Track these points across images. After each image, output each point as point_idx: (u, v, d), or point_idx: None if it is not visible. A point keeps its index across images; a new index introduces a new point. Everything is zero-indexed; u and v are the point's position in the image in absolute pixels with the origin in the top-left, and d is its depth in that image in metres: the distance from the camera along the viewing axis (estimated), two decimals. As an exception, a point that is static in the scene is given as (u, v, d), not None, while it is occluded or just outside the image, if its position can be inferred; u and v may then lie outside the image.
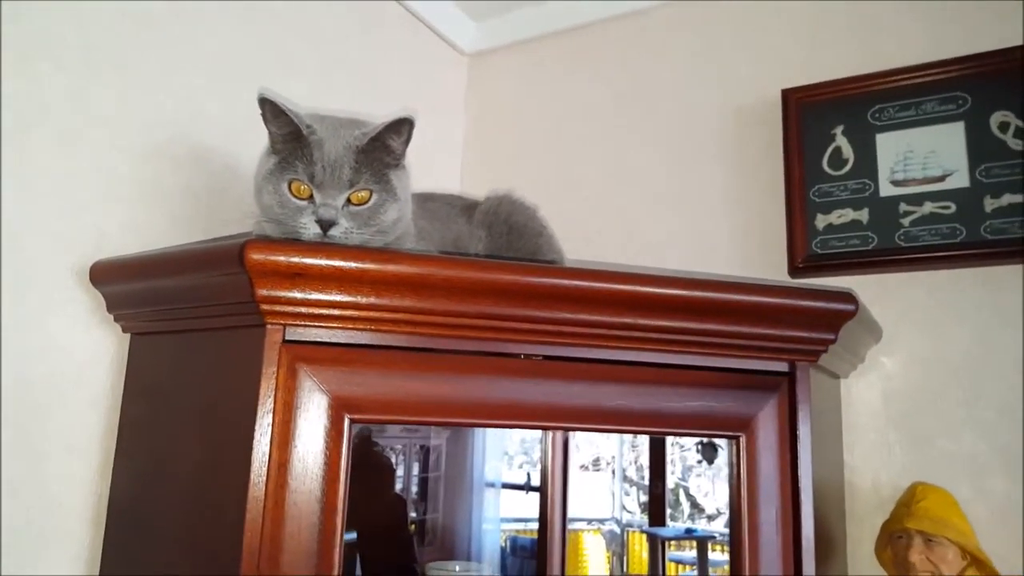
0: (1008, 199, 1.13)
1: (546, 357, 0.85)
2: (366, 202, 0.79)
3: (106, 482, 0.96)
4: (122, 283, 0.91)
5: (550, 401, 0.85)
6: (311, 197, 0.77)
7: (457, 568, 1.25)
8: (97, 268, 0.93)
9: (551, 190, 1.53)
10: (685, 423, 0.89)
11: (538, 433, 1.44)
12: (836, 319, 0.89)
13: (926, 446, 1.14)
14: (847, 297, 0.88)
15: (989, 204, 1.14)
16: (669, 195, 1.45)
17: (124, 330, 0.98)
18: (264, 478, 0.74)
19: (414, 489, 1.49)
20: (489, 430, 1.50)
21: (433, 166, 1.65)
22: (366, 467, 1.43)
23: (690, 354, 0.89)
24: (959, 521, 1.03)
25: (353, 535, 1.26)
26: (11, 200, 0.91)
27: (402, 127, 0.81)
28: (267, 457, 0.74)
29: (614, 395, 0.87)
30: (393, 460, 1.48)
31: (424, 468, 1.49)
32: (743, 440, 0.88)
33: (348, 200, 0.78)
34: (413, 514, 1.47)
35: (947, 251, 1.15)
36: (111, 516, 0.94)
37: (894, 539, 1.04)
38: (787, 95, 1.31)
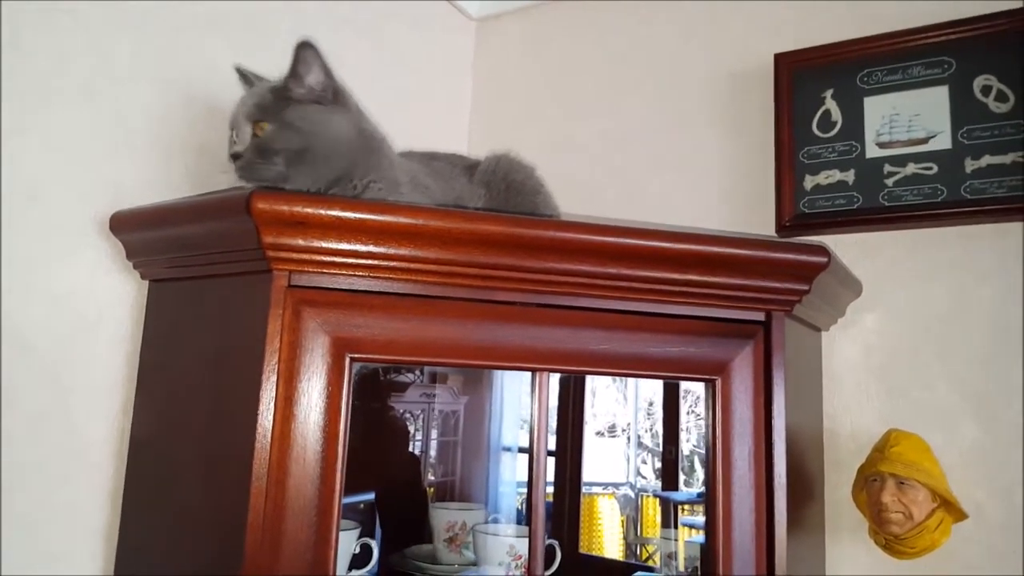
0: (987, 160, 1.16)
1: (536, 305, 0.91)
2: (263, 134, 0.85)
3: (128, 418, 1.03)
4: (139, 232, 0.98)
5: (539, 345, 0.91)
6: None
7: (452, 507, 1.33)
8: (116, 218, 0.99)
9: (555, 150, 1.57)
10: (665, 367, 0.95)
11: (555, 400, 1.51)
12: (809, 271, 0.94)
13: (902, 396, 1.19)
14: (820, 250, 0.93)
15: (969, 165, 1.17)
16: (665, 155, 1.49)
17: (142, 277, 1.04)
18: (272, 411, 0.81)
19: (432, 453, 1.56)
20: (507, 399, 1.57)
21: (442, 128, 1.70)
22: (382, 430, 1.51)
23: (671, 303, 0.94)
24: (930, 465, 1.08)
25: (371, 496, 1.34)
26: (34, 152, 0.97)
27: (303, 53, 0.86)
28: (275, 392, 0.81)
29: (599, 340, 0.93)
30: (412, 425, 1.55)
31: (442, 433, 1.56)
32: (719, 383, 0.93)
33: (256, 135, 0.85)
34: (432, 477, 1.55)
35: (928, 210, 1.19)
36: (132, 449, 1.01)
37: (869, 482, 1.09)
38: (779, 59, 1.34)
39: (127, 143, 1.07)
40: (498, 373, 1.54)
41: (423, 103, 1.64)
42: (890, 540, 1.08)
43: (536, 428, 0.90)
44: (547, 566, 1.11)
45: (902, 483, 1.05)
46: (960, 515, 1.06)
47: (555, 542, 1.16)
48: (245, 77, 0.93)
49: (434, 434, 1.57)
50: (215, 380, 0.90)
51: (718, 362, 0.94)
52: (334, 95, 0.88)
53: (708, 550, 0.93)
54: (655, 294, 0.93)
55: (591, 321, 0.92)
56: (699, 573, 1.17)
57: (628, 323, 0.93)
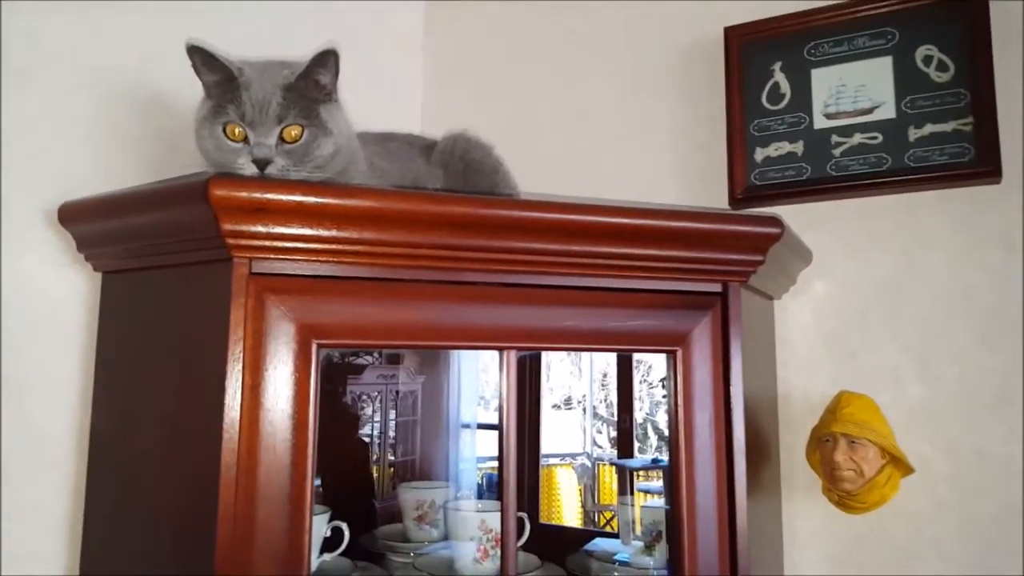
0: (929, 128, 1.20)
1: (501, 284, 0.92)
2: (299, 139, 0.82)
3: (87, 413, 1.01)
4: (91, 223, 0.95)
5: (505, 323, 0.92)
6: (246, 139, 0.81)
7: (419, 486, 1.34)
8: (65, 209, 0.96)
9: (511, 127, 1.56)
10: (628, 340, 0.97)
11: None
12: (763, 242, 0.96)
13: (852, 359, 1.24)
14: (774, 221, 0.96)
15: (912, 134, 1.21)
16: (620, 130, 1.50)
17: (95, 269, 1.02)
18: (239, 400, 0.80)
19: (391, 433, 1.56)
20: (464, 377, 1.58)
21: (393, 107, 1.67)
22: (332, 417, 1.51)
23: (632, 278, 0.96)
24: (879, 424, 1.13)
25: (318, 481, 1.33)
26: (-25, 144, 0.94)
27: (328, 59, 0.83)
28: (240, 381, 0.80)
29: (563, 317, 0.95)
30: (370, 407, 1.55)
31: (401, 413, 1.56)
32: (680, 354, 0.96)
33: (281, 139, 0.82)
34: (392, 457, 1.55)
35: (874, 179, 1.23)
36: (93, 444, 0.99)
37: (822, 442, 1.14)
38: (729, 33, 1.36)
39: (72, 132, 1.04)
40: (455, 352, 1.55)
41: (373, 82, 1.61)
42: (843, 496, 1.13)
43: (505, 405, 0.92)
44: (517, 538, 1.13)
45: (853, 442, 1.10)
46: (907, 470, 1.12)
47: (524, 515, 1.19)
48: (210, 57, 0.82)
49: (393, 415, 1.57)
50: (177, 371, 0.89)
51: (678, 333, 0.97)
52: (335, 91, 0.87)
53: (673, 515, 0.96)
54: (617, 269, 0.94)
55: (556, 298, 0.93)
56: (663, 537, 1.21)
57: (591, 299, 0.95)
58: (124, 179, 1.06)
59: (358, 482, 1.52)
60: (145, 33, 1.13)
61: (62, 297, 1.02)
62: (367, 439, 1.55)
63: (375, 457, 1.56)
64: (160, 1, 1.16)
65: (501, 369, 0.92)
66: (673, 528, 0.97)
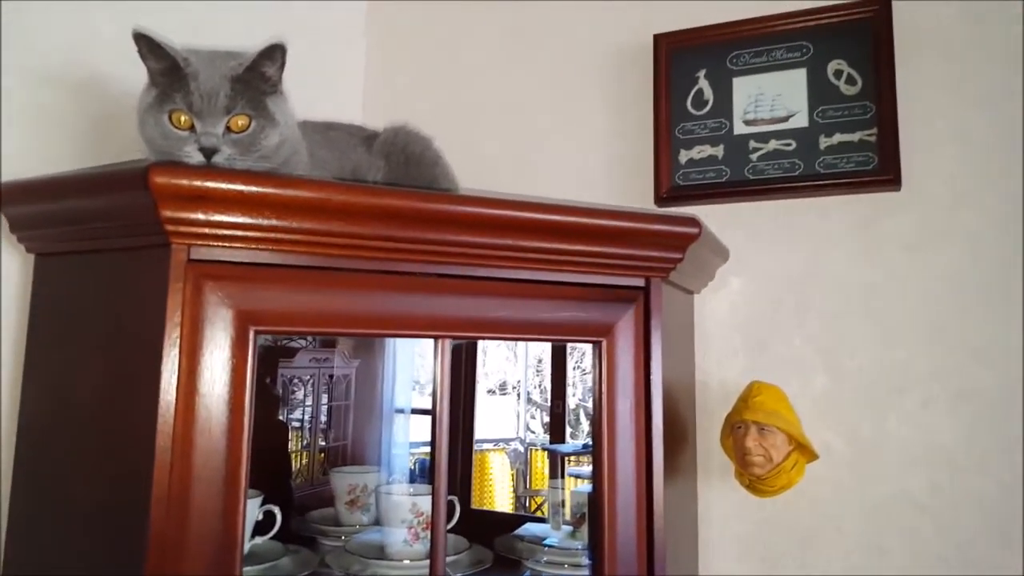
0: (838, 138, 1.30)
1: (436, 275, 0.95)
2: (246, 129, 0.84)
3: (15, 401, 1.00)
4: (26, 204, 0.94)
5: (438, 313, 0.96)
6: (192, 127, 0.83)
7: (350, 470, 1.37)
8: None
9: (450, 121, 1.59)
10: (556, 330, 1.02)
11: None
12: (683, 240, 1.03)
13: (764, 350, 1.33)
14: (692, 221, 1.03)
15: (823, 142, 1.31)
16: (554, 127, 1.55)
17: (28, 250, 1.01)
18: (175, 384, 0.81)
19: (323, 418, 1.57)
20: (399, 361, 1.59)
21: (334, 96, 1.68)
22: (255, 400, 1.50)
23: (561, 271, 1.01)
24: (787, 413, 1.21)
25: None
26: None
27: (275, 53, 0.86)
28: (176, 366, 0.81)
29: (496, 307, 0.99)
30: (301, 391, 1.55)
31: (333, 397, 1.56)
32: (604, 344, 1.01)
33: (228, 128, 0.84)
34: (323, 442, 1.56)
35: (787, 183, 1.32)
36: (23, 429, 0.98)
37: (734, 429, 1.21)
38: (659, 39, 1.43)
39: (4, 113, 1.02)
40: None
41: (315, 72, 1.62)
42: (753, 480, 1.21)
43: (439, 393, 0.96)
44: (447, 521, 1.17)
45: (763, 429, 1.17)
46: (812, 456, 1.20)
47: (454, 498, 1.23)
48: (156, 46, 0.82)
49: (325, 399, 1.58)
50: (112, 356, 0.89)
51: (604, 325, 1.02)
52: (280, 83, 0.89)
53: (595, 496, 1.02)
54: (546, 263, 0.99)
55: (488, 289, 0.98)
56: (586, 518, 1.27)
57: (522, 291, 0.99)
58: (57, 162, 1.05)
59: (274, 464, 1.51)
60: (81, 14, 1.12)
61: (-9, 280, 1.01)
62: (296, 423, 1.55)
63: (305, 442, 1.56)
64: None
65: (436, 357, 0.96)
66: (594, 509, 1.02)
